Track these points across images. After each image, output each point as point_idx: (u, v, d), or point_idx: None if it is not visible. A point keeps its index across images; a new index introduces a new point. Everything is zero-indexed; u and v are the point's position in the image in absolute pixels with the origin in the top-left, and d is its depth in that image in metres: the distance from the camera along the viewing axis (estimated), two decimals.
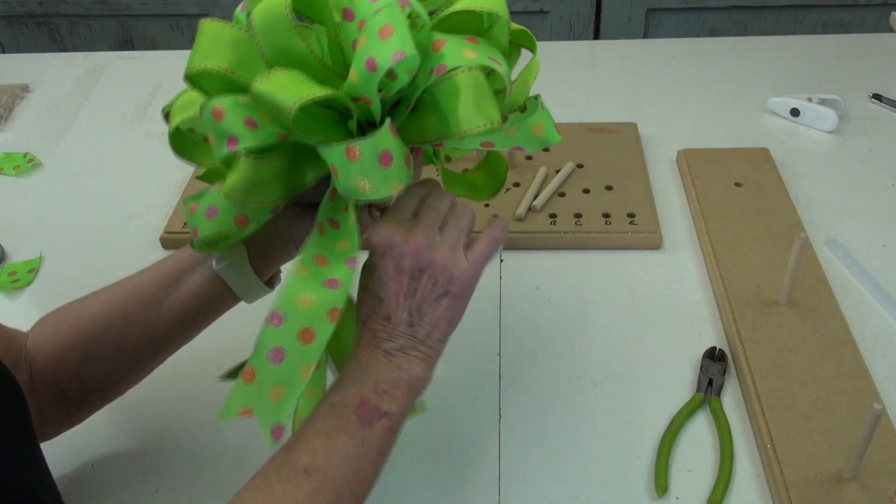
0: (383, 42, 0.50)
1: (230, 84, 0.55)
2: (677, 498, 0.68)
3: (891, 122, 1.09)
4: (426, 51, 0.53)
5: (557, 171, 0.98)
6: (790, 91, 1.12)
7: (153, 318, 0.65)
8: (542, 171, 0.98)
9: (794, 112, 1.09)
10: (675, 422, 0.72)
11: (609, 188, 0.97)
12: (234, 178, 0.56)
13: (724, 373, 0.76)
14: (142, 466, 0.72)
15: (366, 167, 0.52)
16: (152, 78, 1.28)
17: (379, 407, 0.55)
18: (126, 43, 1.99)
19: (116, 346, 0.65)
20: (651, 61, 1.25)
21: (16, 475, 0.50)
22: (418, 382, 0.57)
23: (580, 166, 1.00)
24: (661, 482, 0.68)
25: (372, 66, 0.50)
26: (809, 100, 1.09)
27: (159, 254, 0.93)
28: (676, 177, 1.02)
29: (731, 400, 0.75)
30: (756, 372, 0.74)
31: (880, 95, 1.12)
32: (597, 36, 1.90)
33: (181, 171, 1.05)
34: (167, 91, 1.24)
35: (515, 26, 0.59)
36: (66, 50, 2.01)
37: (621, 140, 1.04)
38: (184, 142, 0.62)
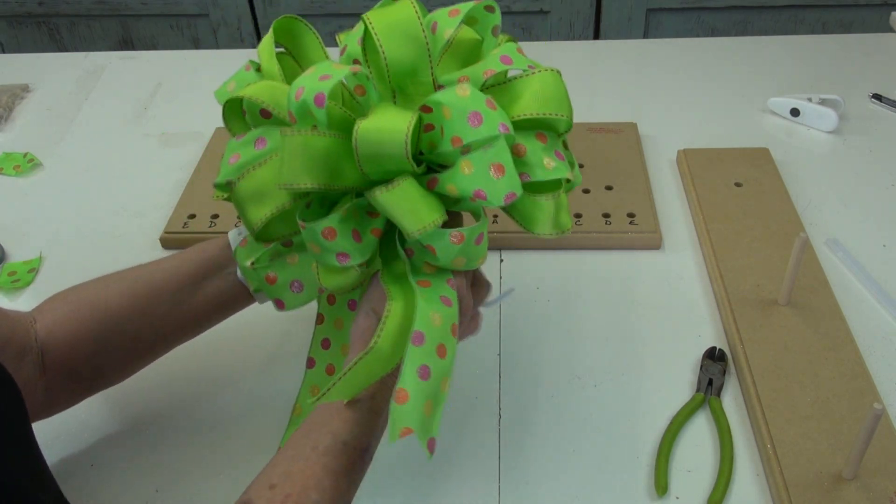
0: (495, 180, 0.53)
1: (325, 193, 0.56)
2: (677, 498, 0.68)
3: (891, 122, 1.10)
4: None
5: None
6: (790, 91, 1.12)
7: (172, 316, 0.67)
8: None
9: (794, 112, 1.09)
10: (675, 422, 0.72)
11: (609, 188, 0.97)
12: (339, 281, 0.60)
13: (724, 373, 0.76)
14: (142, 466, 0.72)
15: (464, 248, 0.57)
16: (152, 78, 1.28)
17: (372, 454, 0.57)
18: (126, 43, 1.99)
19: (132, 339, 0.67)
20: (651, 61, 1.25)
21: (12, 477, 0.50)
22: None
23: (580, 166, 1.00)
24: (661, 482, 0.68)
25: (481, 197, 0.54)
26: (809, 100, 1.09)
27: (159, 253, 0.93)
28: (676, 177, 1.02)
29: (731, 400, 0.75)
30: (756, 372, 0.74)
31: (880, 95, 1.12)
32: (597, 36, 1.90)
33: (181, 171, 1.05)
34: (167, 91, 1.24)
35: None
36: (66, 50, 2.01)
37: (621, 140, 1.04)
38: (269, 229, 0.61)
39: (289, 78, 0.63)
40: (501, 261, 0.91)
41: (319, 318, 0.70)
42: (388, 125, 0.52)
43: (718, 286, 0.84)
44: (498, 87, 0.58)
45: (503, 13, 2.05)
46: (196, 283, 0.67)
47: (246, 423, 0.75)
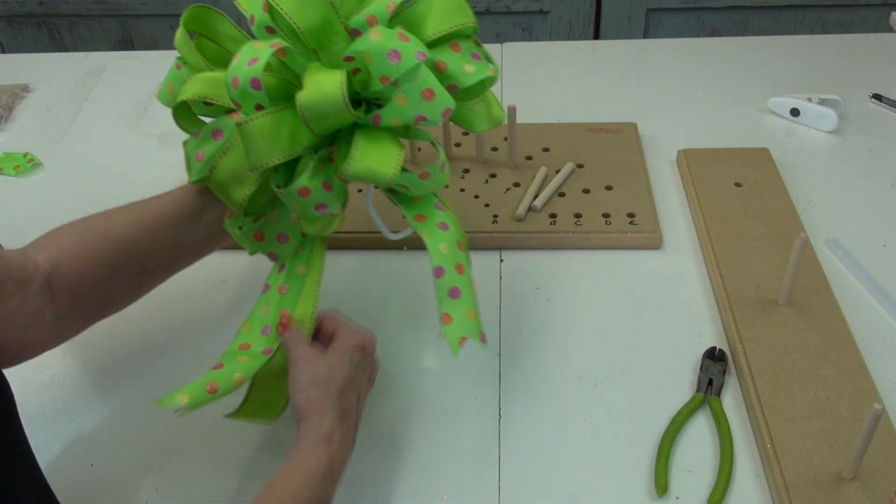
0: (429, 103, 0.61)
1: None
2: (677, 498, 0.68)
3: (891, 122, 1.10)
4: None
5: (557, 171, 0.98)
6: (790, 91, 1.12)
7: (176, 244, 0.72)
8: (542, 171, 0.98)
9: (794, 112, 1.09)
10: (675, 422, 0.72)
11: (609, 188, 0.97)
12: (320, 226, 0.69)
13: (724, 373, 0.76)
14: (142, 466, 0.72)
15: (433, 180, 0.67)
16: (152, 78, 1.28)
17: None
18: (126, 43, 1.99)
19: (140, 266, 0.71)
20: (651, 61, 1.25)
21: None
22: None
23: (580, 166, 1.00)
24: (661, 482, 0.68)
25: (423, 119, 0.62)
26: (809, 100, 1.09)
27: None
28: (676, 177, 1.02)
29: (731, 400, 0.75)
30: (756, 372, 0.74)
31: (880, 95, 1.12)
32: (597, 36, 1.90)
33: (181, 171, 1.05)
34: None
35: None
36: (66, 50, 2.01)
37: (621, 140, 1.04)
38: (252, 202, 0.69)
39: (213, 60, 0.70)
40: (501, 261, 0.91)
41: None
42: (324, 89, 0.60)
43: (718, 286, 0.84)
44: (403, 14, 0.64)
45: (503, 13, 2.05)
46: (198, 212, 0.71)
47: (246, 423, 0.75)
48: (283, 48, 0.62)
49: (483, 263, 0.90)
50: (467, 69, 0.64)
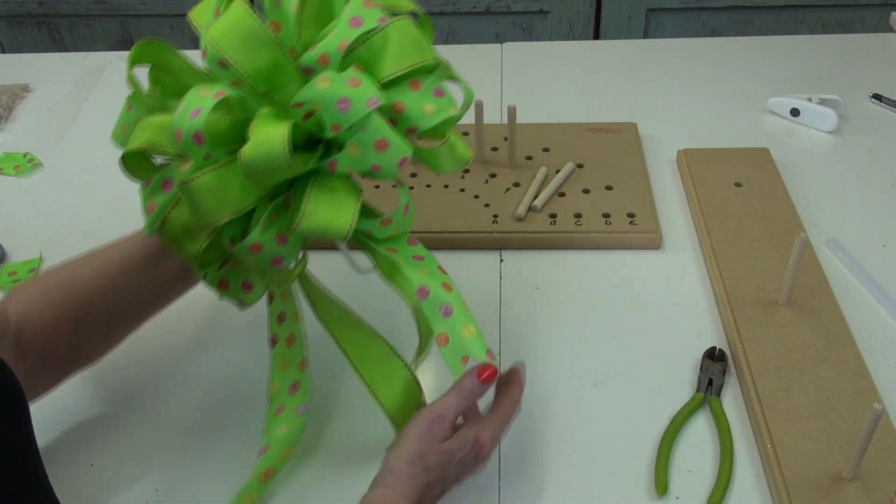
0: (384, 153, 0.57)
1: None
2: (677, 498, 0.68)
3: (891, 122, 1.10)
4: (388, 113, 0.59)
5: (557, 171, 0.98)
6: (790, 91, 1.12)
7: (143, 290, 0.70)
8: (542, 171, 0.98)
9: (794, 112, 1.09)
10: (675, 422, 0.72)
11: (609, 188, 0.97)
12: (281, 278, 0.66)
13: (724, 373, 0.76)
14: (142, 466, 0.72)
15: (396, 224, 0.63)
16: None
17: None
18: (126, 43, 1.99)
19: (107, 316, 0.69)
20: (651, 61, 1.25)
21: (9, 490, 0.50)
22: None
23: (580, 166, 1.00)
24: (661, 482, 0.68)
25: (377, 170, 0.58)
26: (809, 100, 1.09)
27: None
28: (676, 177, 1.02)
29: (731, 400, 0.75)
30: (756, 372, 0.74)
31: (880, 95, 1.12)
32: (597, 36, 1.90)
33: None
34: None
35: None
36: (66, 50, 2.01)
37: (621, 140, 1.04)
38: (206, 254, 0.66)
39: (171, 91, 0.66)
40: (501, 261, 0.91)
41: (270, 297, 0.71)
42: (267, 146, 0.55)
43: (718, 286, 0.84)
44: (358, 50, 0.59)
45: (503, 13, 2.05)
46: (163, 254, 0.68)
47: (247, 423, 0.75)
48: (229, 96, 0.58)
49: (483, 263, 0.90)
50: (427, 109, 0.60)
